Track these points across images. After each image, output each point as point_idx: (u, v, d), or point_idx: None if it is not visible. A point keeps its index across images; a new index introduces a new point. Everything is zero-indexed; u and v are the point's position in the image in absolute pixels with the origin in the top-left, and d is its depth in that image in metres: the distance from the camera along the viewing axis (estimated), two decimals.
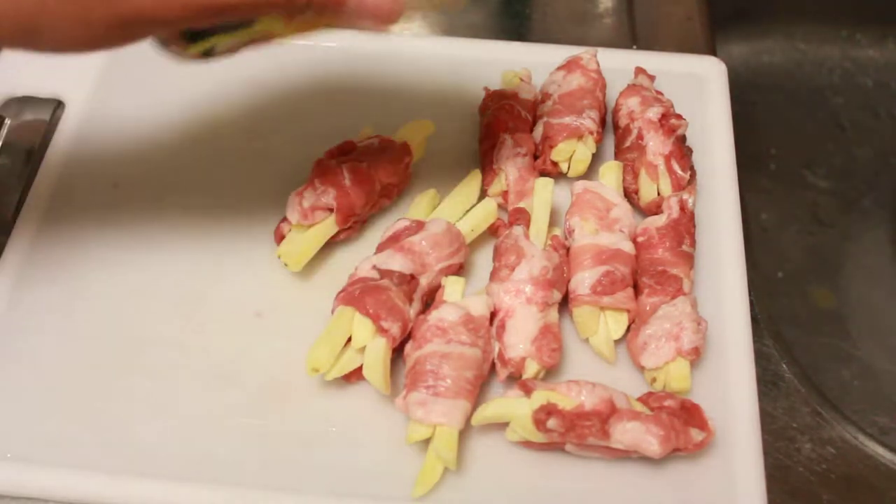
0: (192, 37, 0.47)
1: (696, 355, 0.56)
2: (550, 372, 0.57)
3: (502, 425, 0.54)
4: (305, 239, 0.60)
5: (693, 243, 0.61)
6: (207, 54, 0.48)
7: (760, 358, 0.60)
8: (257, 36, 0.48)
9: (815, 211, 0.91)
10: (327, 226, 0.60)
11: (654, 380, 0.57)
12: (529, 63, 0.71)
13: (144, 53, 0.71)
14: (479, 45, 0.74)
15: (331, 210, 0.60)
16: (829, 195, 0.92)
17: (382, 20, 0.46)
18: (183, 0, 0.43)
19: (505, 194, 0.64)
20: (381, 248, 0.59)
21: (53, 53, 0.44)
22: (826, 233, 0.90)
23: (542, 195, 0.61)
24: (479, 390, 0.55)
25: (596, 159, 0.66)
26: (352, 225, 0.62)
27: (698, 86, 0.71)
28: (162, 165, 0.66)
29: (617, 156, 0.67)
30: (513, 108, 0.66)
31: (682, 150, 0.64)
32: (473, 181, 0.63)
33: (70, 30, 0.42)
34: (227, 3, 0.44)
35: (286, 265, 0.60)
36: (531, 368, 0.55)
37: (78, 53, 0.44)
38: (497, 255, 0.60)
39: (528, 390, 0.53)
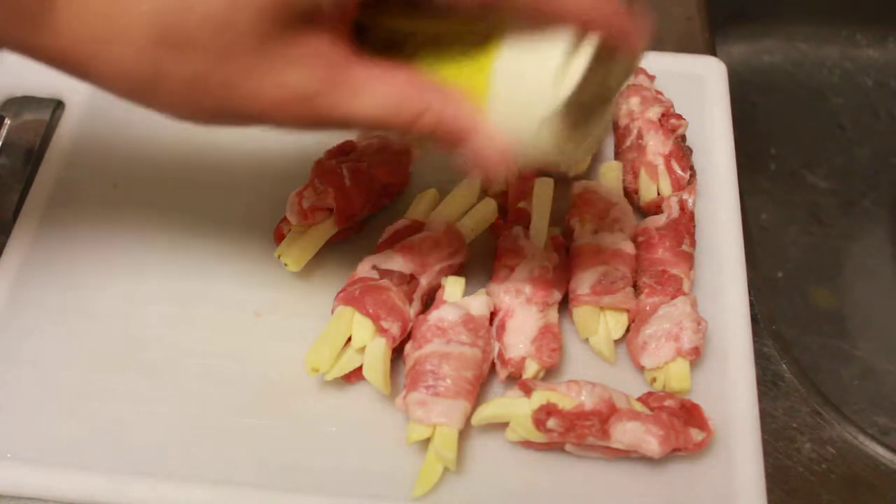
0: None
1: (696, 355, 0.56)
2: (550, 372, 0.57)
3: (502, 425, 0.54)
4: (305, 239, 0.60)
5: (693, 243, 0.61)
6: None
7: (760, 358, 0.60)
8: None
9: (815, 211, 0.91)
10: (327, 226, 0.60)
11: (654, 380, 0.57)
12: None
13: None
14: None
15: (331, 210, 0.60)
16: (829, 195, 0.92)
17: (487, 172, 0.44)
18: (297, 111, 0.42)
19: (505, 194, 0.64)
20: (380, 248, 0.59)
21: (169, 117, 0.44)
22: (826, 233, 0.90)
23: (542, 195, 0.61)
24: (479, 390, 0.55)
25: (596, 159, 0.66)
26: (352, 225, 0.62)
27: (698, 86, 0.71)
28: (162, 165, 0.66)
29: (617, 156, 0.67)
30: None
31: (682, 150, 0.64)
32: (473, 181, 0.63)
33: (179, 108, 0.43)
34: (343, 121, 0.43)
35: (286, 265, 0.60)
36: (531, 368, 0.55)
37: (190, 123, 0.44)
38: (497, 255, 0.60)
39: (528, 390, 0.53)
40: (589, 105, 0.44)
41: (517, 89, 0.43)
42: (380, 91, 0.42)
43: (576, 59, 0.42)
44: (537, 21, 0.42)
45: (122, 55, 0.40)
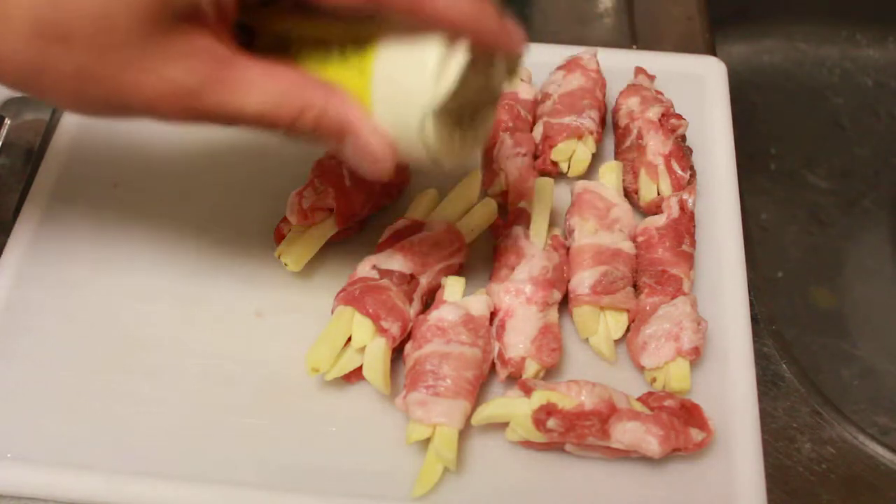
0: None
1: (696, 355, 0.56)
2: (550, 372, 0.57)
3: (502, 425, 0.54)
4: (305, 239, 0.60)
5: (693, 243, 0.61)
6: None
7: (760, 358, 0.60)
8: None
9: (815, 211, 0.91)
10: (327, 226, 0.60)
11: (654, 380, 0.57)
12: (529, 63, 0.71)
13: None
14: None
15: (331, 210, 0.60)
16: (829, 195, 0.92)
17: (372, 168, 0.46)
18: (182, 105, 0.43)
19: (505, 194, 0.64)
20: (381, 248, 0.59)
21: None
22: (826, 233, 0.90)
23: (542, 195, 0.61)
24: (479, 390, 0.55)
25: (596, 159, 0.66)
26: (352, 225, 0.62)
27: (698, 86, 0.71)
28: (162, 165, 0.66)
29: (617, 156, 0.67)
30: (513, 108, 0.66)
31: (682, 150, 0.64)
32: (473, 181, 0.63)
33: (66, 99, 0.44)
34: (229, 116, 0.44)
35: (286, 265, 0.60)
36: (531, 368, 0.55)
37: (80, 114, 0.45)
38: (497, 255, 0.60)
39: (528, 390, 0.53)
40: (470, 106, 0.47)
41: (396, 90, 0.44)
42: (264, 87, 0.43)
43: (452, 61, 0.44)
44: (414, 25, 0.44)
45: (6, 46, 0.41)
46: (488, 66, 0.46)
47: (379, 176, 0.46)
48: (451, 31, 0.43)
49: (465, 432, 0.54)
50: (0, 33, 0.41)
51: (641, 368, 0.57)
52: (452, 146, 0.47)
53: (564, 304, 0.59)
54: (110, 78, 0.42)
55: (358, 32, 0.45)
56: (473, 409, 0.54)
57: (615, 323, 0.58)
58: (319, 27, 0.46)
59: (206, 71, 0.42)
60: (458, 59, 0.44)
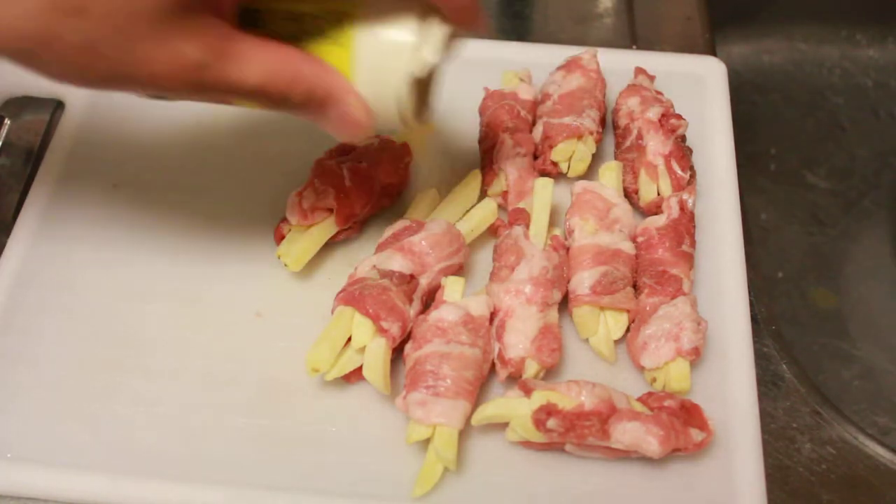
0: None
1: (695, 355, 0.56)
2: (550, 372, 0.57)
3: (502, 425, 0.54)
4: (305, 239, 0.60)
5: (693, 243, 0.61)
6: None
7: (760, 358, 0.60)
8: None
9: (815, 211, 0.91)
10: (327, 226, 0.60)
11: (654, 380, 0.57)
12: (529, 63, 0.71)
13: None
14: (479, 45, 0.74)
15: (331, 210, 0.60)
16: (829, 195, 0.92)
17: (353, 133, 0.50)
18: (189, 79, 0.44)
19: (505, 194, 0.64)
20: (381, 248, 0.59)
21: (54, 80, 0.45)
22: (826, 233, 0.90)
23: (542, 195, 0.61)
24: (479, 390, 0.55)
25: (596, 159, 0.66)
26: (352, 225, 0.62)
27: (698, 86, 0.71)
28: (162, 165, 0.66)
29: (617, 156, 0.67)
30: (513, 108, 0.66)
31: (682, 150, 0.64)
32: (473, 181, 0.63)
33: (69, 72, 0.44)
34: (230, 88, 0.45)
35: (286, 265, 0.60)
36: (531, 368, 0.55)
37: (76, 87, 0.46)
38: (497, 255, 0.60)
39: (528, 390, 0.53)
40: (431, 77, 0.51)
41: (378, 61, 0.48)
42: (261, 59, 0.46)
43: (431, 34, 0.48)
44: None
45: (13, 16, 0.41)
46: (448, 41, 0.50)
47: (357, 140, 0.50)
48: (425, 6, 0.47)
49: (465, 432, 0.54)
50: (7, 2, 0.41)
51: (641, 368, 0.57)
52: (419, 113, 0.51)
53: (564, 304, 0.59)
54: (121, 51, 0.42)
55: (332, 9, 0.48)
56: (473, 409, 0.54)
57: (615, 323, 0.58)
58: (296, 4, 0.49)
59: (214, 46, 0.44)
60: (439, 31, 0.48)
